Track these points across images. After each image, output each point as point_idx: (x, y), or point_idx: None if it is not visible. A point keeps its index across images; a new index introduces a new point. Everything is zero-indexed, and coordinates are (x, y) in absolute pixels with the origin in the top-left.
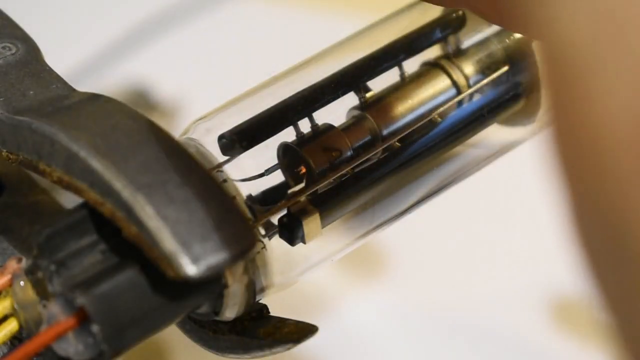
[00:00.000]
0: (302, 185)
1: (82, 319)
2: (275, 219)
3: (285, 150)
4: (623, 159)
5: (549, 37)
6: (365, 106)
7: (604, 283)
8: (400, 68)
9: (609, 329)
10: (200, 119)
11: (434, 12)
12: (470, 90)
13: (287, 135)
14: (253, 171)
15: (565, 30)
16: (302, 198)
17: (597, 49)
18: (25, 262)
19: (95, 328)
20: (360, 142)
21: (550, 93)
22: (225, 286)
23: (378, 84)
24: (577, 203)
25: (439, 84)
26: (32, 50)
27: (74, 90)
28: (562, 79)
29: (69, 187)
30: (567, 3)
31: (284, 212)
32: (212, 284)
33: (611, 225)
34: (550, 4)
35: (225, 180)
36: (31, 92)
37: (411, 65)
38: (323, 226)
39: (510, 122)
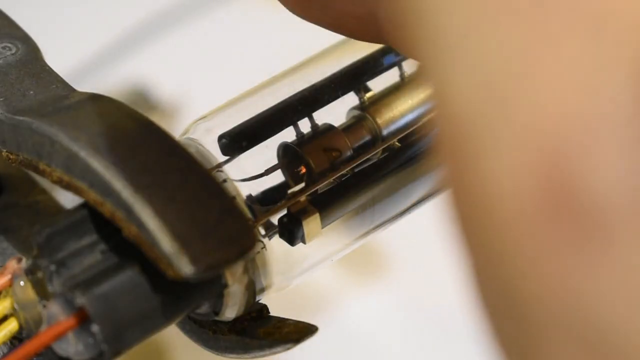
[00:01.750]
0: (302, 185)
1: (82, 319)
2: (275, 219)
3: (285, 150)
4: (507, 219)
5: (442, 96)
6: (365, 106)
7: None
8: (400, 68)
9: None
10: (200, 119)
11: None
12: None
13: (287, 135)
14: (253, 171)
15: (457, 93)
16: (302, 198)
17: (483, 114)
18: (25, 262)
19: (95, 328)
20: (360, 142)
21: (441, 148)
22: (225, 286)
23: (378, 84)
24: (469, 258)
25: None
26: (32, 50)
27: (74, 90)
28: (451, 137)
29: (69, 187)
30: (457, 67)
31: (284, 212)
32: (212, 284)
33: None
34: (442, 63)
35: (225, 180)
36: (31, 92)
37: (411, 65)
38: (323, 226)
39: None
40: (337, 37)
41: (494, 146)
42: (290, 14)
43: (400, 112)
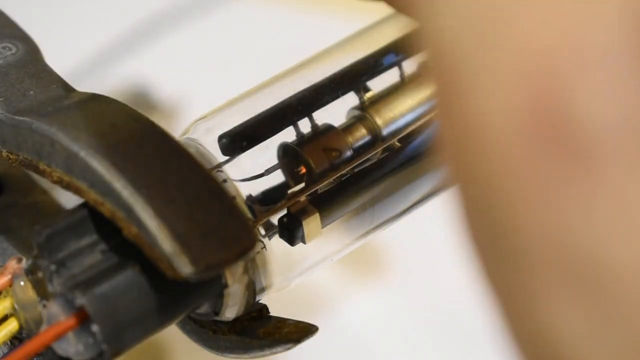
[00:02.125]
0: (302, 185)
1: (82, 319)
2: (275, 219)
3: (285, 150)
4: (498, 150)
5: (430, 29)
6: (365, 106)
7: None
8: (400, 68)
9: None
10: (200, 119)
11: None
12: None
13: (287, 135)
14: (253, 171)
15: (444, 24)
16: (302, 198)
17: (472, 42)
18: (25, 262)
19: (95, 328)
20: (360, 142)
21: (432, 80)
22: (225, 286)
23: (378, 84)
24: (460, 190)
25: None
26: (32, 50)
27: (74, 90)
28: (442, 70)
29: (69, 187)
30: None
31: (284, 212)
32: (212, 284)
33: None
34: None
35: (225, 180)
36: (31, 92)
37: (411, 65)
38: (323, 226)
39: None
40: (337, 37)
41: (485, 74)
42: (290, 13)
43: (400, 112)
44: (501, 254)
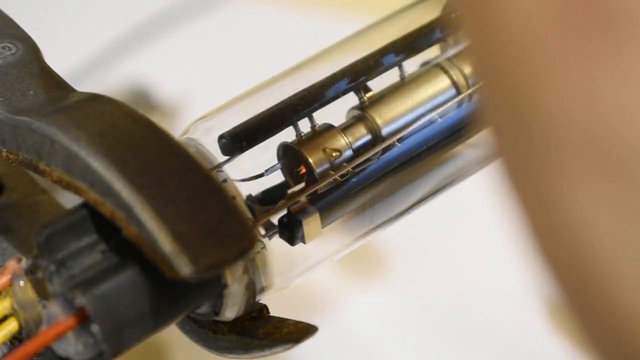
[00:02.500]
0: (302, 185)
1: (82, 319)
2: (275, 219)
3: (285, 150)
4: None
5: None
6: (365, 106)
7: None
8: (400, 68)
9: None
10: (200, 119)
11: (434, 12)
12: (470, 90)
13: (287, 135)
14: (253, 171)
15: None
16: (302, 198)
17: None
18: (25, 262)
19: (95, 328)
20: (360, 142)
21: None
22: (225, 286)
23: (378, 84)
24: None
25: (439, 84)
26: (32, 50)
27: (74, 90)
28: None
29: (69, 187)
30: None
31: (284, 212)
32: (212, 284)
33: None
34: None
35: (225, 180)
36: (31, 92)
37: (411, 65)
38: (323, 226)
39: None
40: (337, 37)
41: None
42: (290, 13)
43: (400, 112)
44: (528, 139)
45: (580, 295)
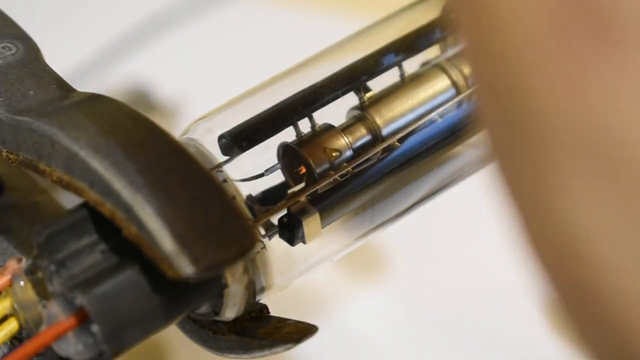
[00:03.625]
0: (302, 185)
1: (82, 319)
2: (275, 219)
3: (285, 150)
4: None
5: None
6: (365, 106)
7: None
8: (400, 68)
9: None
10: (200, 119)
11: (434, 12)
12: (470, 90)
13: (287, 135)
14: (253, 171)
15: None
16: (302, 198)
17: None
18: (25, 262)
19: (95, 328)
20: (360, 142)
21: None
22: (225, 286)
23: (378, 84)
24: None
25: (439, 84)
26: (32, 50)
27: (74, 90)
28: None
29: (69, 187)
30: None
31: (284, 212)
32: (212, 284)
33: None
34: None
35: (225, 180)
36: (31, 92)
37: (411, 65)
38: (323, 226)
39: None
40: (337, 37)
41: None
42: (290, 14)
43: (400, 112)
44: (522, 140)
45: (575, 295)
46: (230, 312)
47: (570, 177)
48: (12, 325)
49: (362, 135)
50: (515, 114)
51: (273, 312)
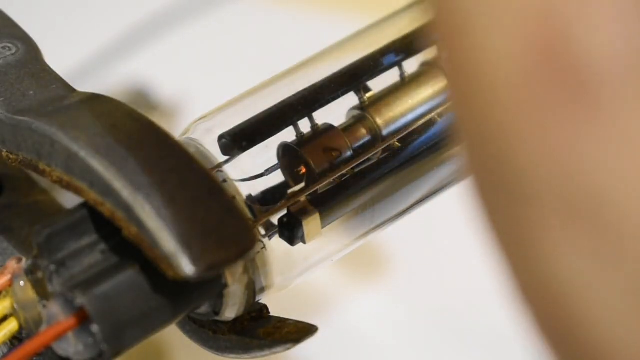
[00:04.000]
0: (302, 185)
1: (82, 319)
2: (275, 219)
3: (285, 150)
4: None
5: None
6: (365, 106)
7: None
8: (400, 68)
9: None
10: (200, 119)
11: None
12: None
13: (287, 135)
14: (253, 171)
15: None
16: (302, 198)
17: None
18: (25, 262)
19: (95, 328)
20: (360, 142)
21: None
22: (225, 286)
23: (378, 84)
24: (462, 131)
25: (439, 84)
26: (32, 50)
27: (74, 90)
28: (444, 11)
29: (69, 187)
30: None
31: (284, 212)
32: (212, 284)
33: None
34: None
35: (225, 180)
36: (31, 92)
37: (411, 65)
38: (323, 226)
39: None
40: (337, 37)
41: (486, 10)
42: (290, 14)
43: (400, 112)
44: (502, 194)
45: (562, 344)
46: (230, 312)
47: (550, 229)
48: (12, 325)
49: (362, 135)
50: (495, 162)
51: (273, 312)
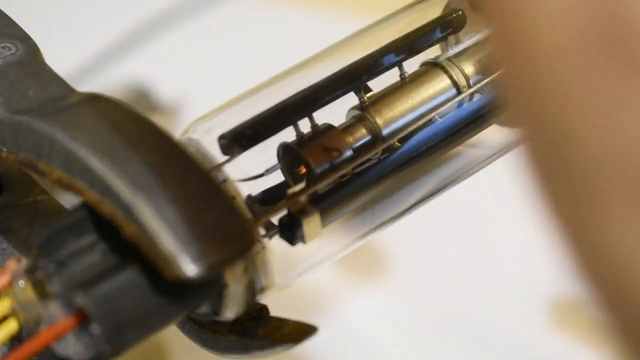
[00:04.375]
0: (302, 185)
1: (82, 319)
2: (275, 219)
3: (285, 150)
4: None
5: None
6: (365, 106)
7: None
8: (400, 68)
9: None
10: (200, 119)
11: (434, 12)
12: (470, 90)
13: (287, 135)
14: (253, 171)
15: None
16: (302, 198)
17: None
18: (25, 262)
19: (95, 328)
20: (360, 142)
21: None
22: (225, 286)
23: (378, 84)
24: (515, 105)
25: (439, 84)
26: (32, 50)
27: (74, 90)
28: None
29: (68, 187)
30: None
31: (284, 212)
32: (212, 284)
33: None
34: None
35: (225, 180)
36: (31, 92)
37: (411, 65)
38: (323, 226)
39: (510, 122)
40: (337, 37)
41: None
42: (290, 13)
43: (400, 112)
44: (566, 174)
45: (629, 325)
46: (230, 312)
47: (616, 205)
48: (12, 326)
49: (362, 135)
50: (554, 141)
51: (273, 312)
